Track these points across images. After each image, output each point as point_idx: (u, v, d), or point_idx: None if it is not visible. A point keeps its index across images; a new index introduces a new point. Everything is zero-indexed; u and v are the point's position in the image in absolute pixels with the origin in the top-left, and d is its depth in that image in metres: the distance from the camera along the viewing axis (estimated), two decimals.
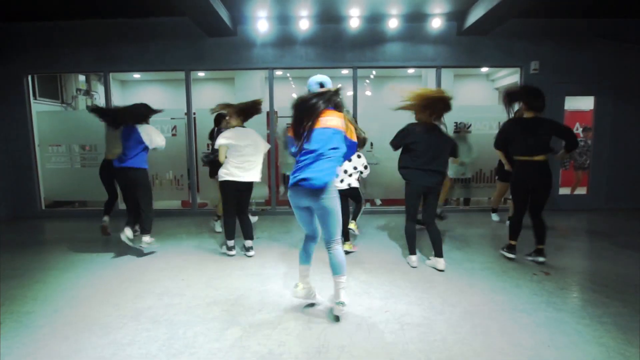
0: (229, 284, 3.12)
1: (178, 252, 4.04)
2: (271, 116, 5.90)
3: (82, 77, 7.54)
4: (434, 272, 3.35)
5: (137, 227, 4.10)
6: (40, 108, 6.43)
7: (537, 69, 5.70)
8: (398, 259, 3.72)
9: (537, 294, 2.89)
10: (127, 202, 3.96)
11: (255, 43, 5.71)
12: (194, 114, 5.93)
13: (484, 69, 8.35)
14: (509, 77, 8.09)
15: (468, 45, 5.71)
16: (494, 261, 3.64)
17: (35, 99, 6.31)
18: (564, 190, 5.99)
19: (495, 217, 5.41)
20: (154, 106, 4.03)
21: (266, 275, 3.32)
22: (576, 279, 3.21)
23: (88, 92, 7.66)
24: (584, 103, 6.62)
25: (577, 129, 6.14)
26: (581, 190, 6.43)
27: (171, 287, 3.05)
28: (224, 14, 5.03)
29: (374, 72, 8.44)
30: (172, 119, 5.92)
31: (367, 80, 9.05)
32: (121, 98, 8.92)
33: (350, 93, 5.89)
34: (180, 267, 3.57)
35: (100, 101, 7.59)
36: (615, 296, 2.83)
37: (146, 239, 3.88)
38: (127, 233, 3.78)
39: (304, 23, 5.47)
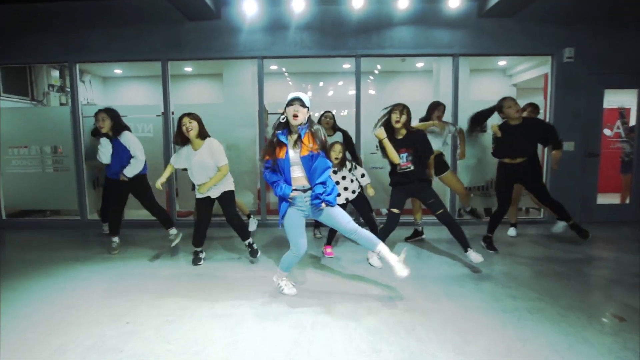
0: (186, 332, 2.29)
1: (139, 275, 3.25)
2: (260, 113, 5.10)
3: (55, 72, 6.80)
4: (459, 312, 2.50)
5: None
6: (5, 105, 5.68)
7: (571, 56, 4.86)
8: (395, 288, 2.89)
9: (618, 355, 2.01)
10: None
11: (241, 28, 4.91)
12: (172, 112, 5.15)
13: (502, 62, 7.53)
14: (529, 71, 7.24)
15: (491, 30, 4.88)
16: (542, 298, 2.75)
17: None
18: (602, 199, 5.12)
19: (512, 232, 4.46)
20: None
21: (239, 316, 2.50)
22: None
23: (62, 89, 6.91)
24: (627, 97, 5.76)
25: (619, 128, 5.26)
26: (616, 199, 5.56)
27: (108, 336, 2.23)
28: None
29: (378, 67, 7.64)
30: (157, 115, 5.17)
31: (371, 77, 8.23)
32: (103, 95, 8.18)
33: (352, 92, 5.04)
34: (133, 300, 2.76)
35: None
36: None
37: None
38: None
39: (298, 4, 4.66)
